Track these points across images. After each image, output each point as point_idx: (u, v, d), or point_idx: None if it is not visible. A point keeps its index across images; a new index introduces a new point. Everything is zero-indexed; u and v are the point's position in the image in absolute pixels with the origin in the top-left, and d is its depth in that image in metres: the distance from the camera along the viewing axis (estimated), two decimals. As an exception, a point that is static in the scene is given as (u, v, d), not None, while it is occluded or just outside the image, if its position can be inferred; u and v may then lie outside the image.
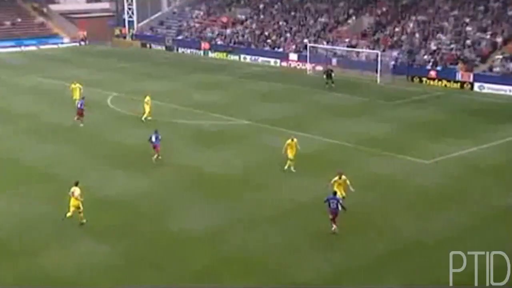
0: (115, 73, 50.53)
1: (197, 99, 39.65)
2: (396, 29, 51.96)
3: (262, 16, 63.14)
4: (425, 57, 47.24)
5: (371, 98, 40.12)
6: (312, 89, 42.94)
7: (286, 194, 22.94)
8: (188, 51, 62.34)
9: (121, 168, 25.87)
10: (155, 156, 26.44)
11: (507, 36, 45.90)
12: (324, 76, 43.81)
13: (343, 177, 21.04)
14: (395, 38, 50.90)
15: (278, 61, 54.29)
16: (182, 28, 67.11)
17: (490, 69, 43.65)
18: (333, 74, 43.46)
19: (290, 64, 53.49)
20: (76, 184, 20.34)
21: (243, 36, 60.78)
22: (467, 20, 49.16)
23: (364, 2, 57.97)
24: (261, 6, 65.01)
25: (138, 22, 70.68)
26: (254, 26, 61.94)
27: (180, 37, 65.63)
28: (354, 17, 56.59)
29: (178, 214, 21.34)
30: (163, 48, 64.85)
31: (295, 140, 25.02)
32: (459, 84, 43.31)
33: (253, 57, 56.40)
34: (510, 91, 40.78)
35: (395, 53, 48.76)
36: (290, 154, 24.71)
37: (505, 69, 42.89)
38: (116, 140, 30.20)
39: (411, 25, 51.68)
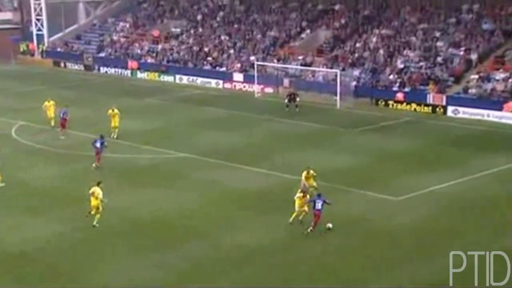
0: (21, 98, 49.79)
1: (125, 128, 39.45)
2: (357, 45, 53.66)
3: (200, 30, 63.94)
4: (391, 76, 48.90)
5: (331, 125, 41.11)
6: (261, 115, 43.60)
7: (236, 240, 23.11)
8: (112, 70, 62.22)
9: (29, 213, 25.46)
10: (95, 164, 30.68)
11: (482, 53, 48.12)
12: (286, 100, 44.86)
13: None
14: (356, 55, 52.53)
15: (221, 82, 54.96)
16: (104, 44, 67.02)
17: (465, 91, 45.56)
18: (297, 98, 44.61)
19: (234, 86, 54.23)
20: (98, 184, 24.22)
21: (178, 53, 61.24)
22: (438, 34, 51.35)
23: (319, 14, 59.71)
24: (199, 17, 65.90)
25: (50, 36, 70.12)
26: (191, 41, 62.56)
27: (102, 54, 65.48)
28: (308, 31, 58.11)
29: (99, 269, 21.11)
30: (81, 67, 64.51)
31: (311, 172, 26.72)
32: (430, 108, 44.94)
33: (190, 78, 56.81)
34: (488, 115, 42.53)
35: (356, 73, 50.27)
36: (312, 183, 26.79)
37: (482, 90, 44.84)
38: (20, 179, 29.78)
39: (374, 39, 53.52)
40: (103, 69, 62.91)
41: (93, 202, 24.00)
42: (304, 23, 59.02)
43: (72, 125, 37.61)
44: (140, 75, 60.19)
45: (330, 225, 23.68)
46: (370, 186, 28.60)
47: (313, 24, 58.56)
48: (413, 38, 51.85)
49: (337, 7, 59.05)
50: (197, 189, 28.54)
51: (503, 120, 41.84)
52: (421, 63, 49.03)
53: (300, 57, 54.21)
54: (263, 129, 40.09)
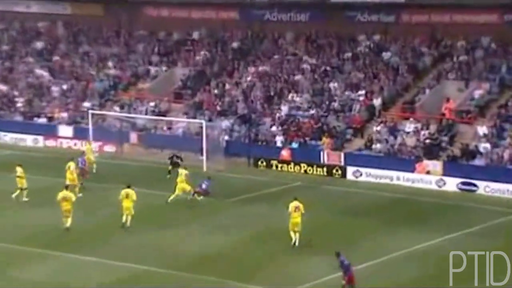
0: None
1: None
2: (227, 86, 55.41)
3: (7, 63, 63.30)
4: (273, 128, 50.84)
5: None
6: (98, 184, 43.59)
7: None
8: None
9: None
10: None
11: (388, 97, 50.85)
12: (169, 162, 45.55)
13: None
14: (226, 99, 54.20)
15: (41, 138, 54.82)
16: None
17: (368, 147, 48.01)
18: (180, 162, 45.05)
19: (61, 143, 54.31)
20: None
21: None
22: (330, 72, 53.74)
23: (174, 45, 60.99)
24: (4, 47, 65.36)
25: None
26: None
27: None
28: (163, 68, 59.15)
29: None
30: None
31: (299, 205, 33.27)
32: (325, 169, 47.02)
33: (-4, 133, 56.24)
34: (397, 178, 45.06)
35: (227, 123, 51.85)
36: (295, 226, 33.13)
37: (388, 145, 47.39)
38: None
39: (249, 79, 55.47)
40: None
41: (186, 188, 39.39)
42: (154, 58, 60.11)
43: None
44: None
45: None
46: (247, 278, 29.49)
47: (168, 59, 59.73)
48: (300, 77, 54.14)
49: (196, 35, 60.54)
50: None
51: (415, 184, 44.50)
52: (312, 111, 51.10)
53: (152, 104, 55.17)
54: (104, 203, 40.06)
